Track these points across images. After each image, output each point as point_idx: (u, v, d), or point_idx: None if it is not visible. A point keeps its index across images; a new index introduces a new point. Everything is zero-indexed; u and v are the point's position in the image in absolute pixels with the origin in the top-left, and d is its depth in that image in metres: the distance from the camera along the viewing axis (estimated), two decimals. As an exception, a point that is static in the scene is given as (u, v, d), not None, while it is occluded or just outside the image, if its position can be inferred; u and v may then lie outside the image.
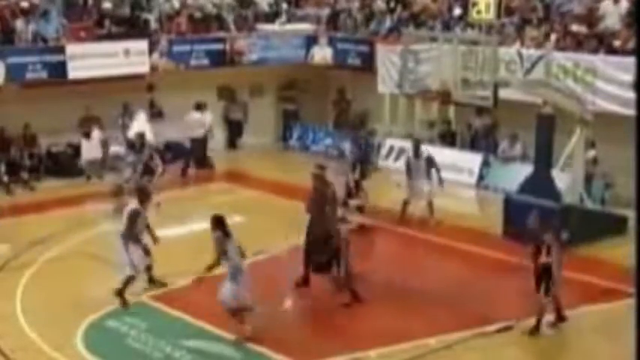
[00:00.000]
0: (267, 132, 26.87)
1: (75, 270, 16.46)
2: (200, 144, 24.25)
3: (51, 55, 22.72)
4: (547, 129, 18.13)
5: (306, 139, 26.65)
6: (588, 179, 18.73)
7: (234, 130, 26.62)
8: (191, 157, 24.10)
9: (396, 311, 14.55)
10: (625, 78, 19.35)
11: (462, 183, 22.37)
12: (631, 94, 18.99)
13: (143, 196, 14.85)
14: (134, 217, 14.56)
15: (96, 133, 22.96)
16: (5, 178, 22.08)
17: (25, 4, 23.54)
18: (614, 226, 17.74)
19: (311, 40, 26.39)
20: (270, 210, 20.07)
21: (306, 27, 26.88)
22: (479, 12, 20.80)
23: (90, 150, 23.06)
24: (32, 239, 17.62)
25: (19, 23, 22.99)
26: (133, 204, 14.76)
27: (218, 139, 25.55)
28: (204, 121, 24.14)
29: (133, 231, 14.57)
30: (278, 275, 15.18)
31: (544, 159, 18.27)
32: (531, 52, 20.83)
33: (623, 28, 20.54)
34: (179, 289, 14.96)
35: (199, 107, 24.14)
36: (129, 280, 14.59)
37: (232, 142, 26.58)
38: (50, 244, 17.70)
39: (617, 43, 20.41)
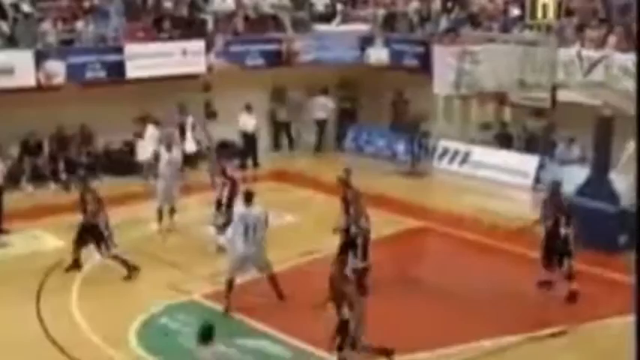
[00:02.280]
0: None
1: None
2: (251, 143, 24.52)
3: (110, 55, 22.96)
4: (606, 131, 17.93)
5: (360, 140, 26.59)
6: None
7: (281, 131, 26.62)
8: (246, 154, 24.25)
9: (451, 313, 14.50)
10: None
11: (518, 185, 22.22)
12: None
13: (249, 198, 14.85)
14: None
15: (150, 132, 23.06)
16: (63, 176, 22.36)
17: (86, 5, 23.83)
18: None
19: (366, 41, 26.30)
20: (320, 210, 19.96)
21: (361, 28, 26.81)
22: (538, 13, 20.67)
23: (145, 149, 23.20)
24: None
25: (80, 24, 23.26)
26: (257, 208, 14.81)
27: (265, 139, 25.81)
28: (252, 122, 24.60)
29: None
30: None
31: (602, 162, 18.06)
32: (591, 54, 20.54)
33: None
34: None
35: (248, 108, 24.41)
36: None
37: (279, 143, 26.58)
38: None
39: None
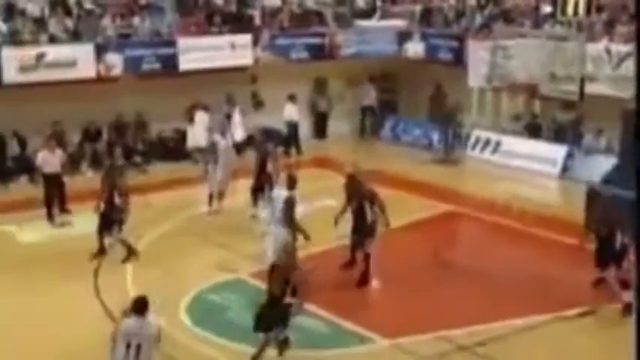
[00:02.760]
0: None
1: (180, 246, 16.72)
2: (294, 130, 24.61)
3: (164, 49, 23.09)
4: (632, 123, 17.72)
5: (398, 129, 26.55)
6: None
7: (321, 120, 26.56)
8: (289, 142, 24.33)
9: (482, 293, 14.47)
10: None
11: (547, 174, 22.07)
12: None
13: (293, 183, 14.82)
14: (291, 203, 14.49)
15: (200, 117, 23.17)
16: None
17: (142, 2, 24.00)
18: (695, 217, 17.31)
19: (404, 36, 26.24)
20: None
21: (399, 23, 26.75)
22: (569, 10, 20.52)
23: (194, 136, 23.34)
24: (143, 217, 17.79)
25: (136, 19, 23.45)
26: (284, 191, 14.71)
27: (306, 128, 25.74)
28: (295, 111, 24.68)
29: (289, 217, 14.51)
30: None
31: (628, 152, 17.87)
32: (620, 48, 20.33)
33: None
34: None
35: (292, 98, 24.42)
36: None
37: (320, 132, 26.53)
38: (158, 222, 18.00)
39: None
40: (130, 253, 15.99)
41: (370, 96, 26.84)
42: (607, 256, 13.84)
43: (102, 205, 16.06)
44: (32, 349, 12.46)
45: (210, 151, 19.30)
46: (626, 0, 22.15)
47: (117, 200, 15.90)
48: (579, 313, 13.59)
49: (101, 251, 16.04)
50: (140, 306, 10.08)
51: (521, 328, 13.16)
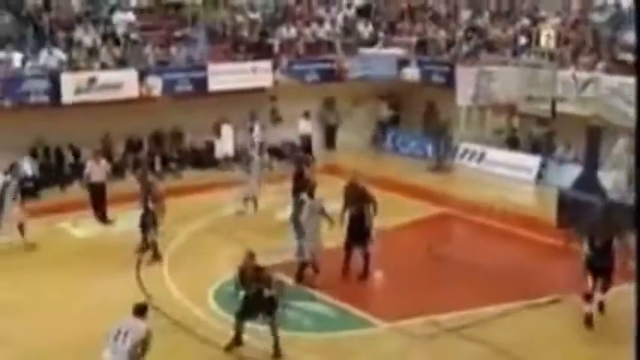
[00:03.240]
0: (366, 135, 26.80)
1: (209, 243, 16.86)
2: (307, 142, 24.69)
3: (196, 73, 23.25)
4: (595, 137, 17.84)
5: (397, 142, 26.62)
6: (629, 179, 18.29)
7: (331, 133, 26.57)
8: (304, 152, 24.43)
9: (469, 283, 14.53)
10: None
11: (524, 180, 22.08)
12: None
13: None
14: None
15: (226, 130, 23.34)
16: (158, 168, 22.75)
17: (178, 34, 24.20)
18: (650, 219, 17.36)
19: (402, 62, 26.29)
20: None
21: (398, 51, 26.82)
22: (542, 42, 20.61)
23: (222, 147, 23.53)
24: (178, 217, 17.91)
25: (173, 49, 23.65)
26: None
27: (317, 140, 25.74)
28: (309, 126, 24.77)
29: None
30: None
31: (592, 162, 17.96)
32: (584, 75, 20.40)
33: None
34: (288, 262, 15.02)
35: (306, 115, 24.49)
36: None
37: (329, 143, 26.50)
38: (191, 221, 18.14)
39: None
40: (156, 256, 15.81)
41: (384, 113, 26.92)
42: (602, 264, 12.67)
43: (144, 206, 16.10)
44: (76, 332, 12.40)
45: (245, 163, 19.31)
46: (586, 37, 22.26)
47: (150, 205, 15.91)
48: (549, 301, 13.62)
49: (144, 247, 16.09)
50: (139, 309, 10.00)
51: (500, 313, 13.22)
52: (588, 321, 12.62)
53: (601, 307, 12.97)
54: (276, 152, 24.73)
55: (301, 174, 18.07)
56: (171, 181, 21.77)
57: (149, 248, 15.92)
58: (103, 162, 18.72)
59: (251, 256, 11.91)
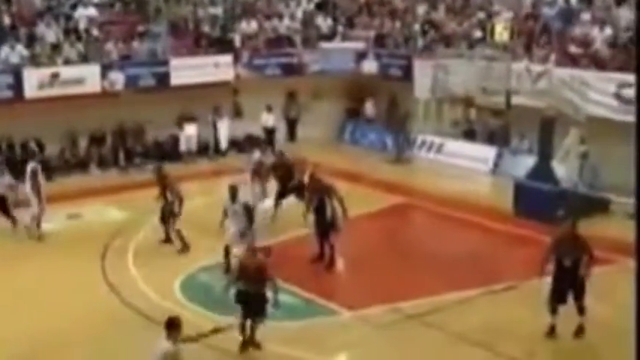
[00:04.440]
0: (327, 128, 26.71)
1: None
2: (270, 135, 24.62)
3: (158, 67, 23.16)
4: (548, 129, 18.09)
5: (356, 134, 26.68)
6: (580, 169, 18.62)
7: (292, 126, 26.48)
8: (267, 145, 24.41)
9: (429, 271, 14.68)
10: (610, 89, 19.29)
11: (480, 170, 22.31)
12: (614, 102, 19.00)
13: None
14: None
15: (190, 128, 23.31)
16: (123, 162, 22.61)
17: (140, 29, 24.04)
18: (600, 206, 17.69)
19: (361, 56, 26.41)
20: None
21: (357, 45, 26.91)
22: (496, 35, 20.81)
23: (185, 141, 23.46)
24: (143, 209, 17.91)
25: (136, 43, 23.49)
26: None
27: (281, 133, 25.64)
28: (272, 119, 24.68)
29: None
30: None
31: (546, 153, 18.23)
32: (537, 68, 20.67)
33: (608, 50, 20.45)
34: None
35: (269, 108, 24.45)
36: None
37: (291, 136, 26.44)
38: (156, 213, 17.95)
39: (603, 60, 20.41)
40: (185, 245, 15.75)
41: (371, 109, 26.66)
42: (566, 292, 11.86)
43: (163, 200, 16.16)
44: (49, 314, 12.67)
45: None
46: (536, 29, 22.56)
47: (169, 197, 15.93)
48: (506, 287, 13.80)
49: (167, 239, 16.08)
50: (165, 324, 8.85)
51: (460, 300, 13.35)
52: (552, 330, 12.07)
53: (581, 329, 12.01)
54: (238, 145, 24.73)
55: (289, 173, 17.74)
56: (135, 175, 21.66)
57: (172, 240, 15.93)
58: (7, 177, 17.32)
59: (252, 252, 11.73)
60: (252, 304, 11.31)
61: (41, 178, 16.65)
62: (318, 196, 14.90)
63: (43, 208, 16.61)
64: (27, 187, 16.57)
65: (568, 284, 11.72)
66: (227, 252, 14.29)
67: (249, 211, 14.61)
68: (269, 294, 11.29)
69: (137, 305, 13.08)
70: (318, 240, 15.01)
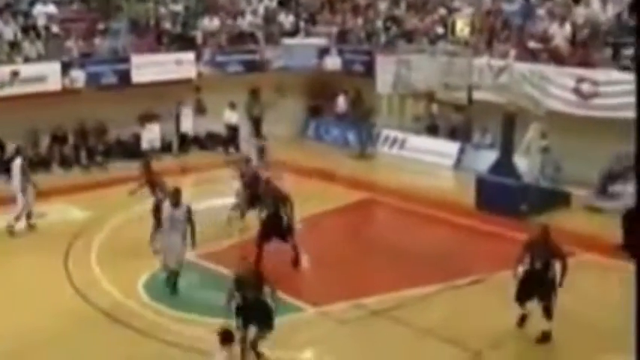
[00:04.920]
0: (290, 125, 26.60)
1: (136, 232, 16.54)
2: (233, 133, 24.41)
3: (120, 65, 22.97)
4: (510, 123, 18.21)
5: (320, 130, 26.65)
6: (542, 163, 18.77)
7: (256, 123, 26.12)
8: (229, 142, 24.27)
9: (393, 266, 14.69)
10: (569, 84, 19.49)
11: (443, 165, 22.38)
12: (574, 97, 19.20)
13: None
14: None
15: (152, 127, 23.16)
16: (85, 161, 22.33)
17: (101, 26, 23.77)
18: (561, 200, 17.86)
19: (324, 51, 26.39)
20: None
21: (319, 41, 26.90)
22: (457, 31, 20.94)
23: (148, 138, 23.25)
24: (106, 208, 17.85)
25: (97, 41, 23.23)
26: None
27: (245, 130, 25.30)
28: (235, 117, 24.40)
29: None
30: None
31: (508, 147, 18.35)
32: (498, 63, 20.80)
33: (567, 45, 20.67)
34: (224, 250, 15.07)
35: (232, 105, 24.26)
36: None
37: (256, 133, 26.16)
38: (119, 212, 17.85)
39: (562, 55, 20.62)
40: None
41: (343, 104, 26.12)
42: (531, 294, 11.88)
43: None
44: (11, 314, 12.58)
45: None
46: (496, 25, 22.72)
47: (160, 195, 15.62)
48: (471, 281, 13.88)
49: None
50: (222, 336, 9.37)
51: (425, 295, 13.39)
52: (523, 319, 12.12)
53: (546, 336, 11.85)
54: (201, 142, 24.58)
55: (255, 179, 16.85)
56: (97, 174, 21.43)
57: None
58: None
59: (245, 260, 11.36)
60: (255, 314, 10.83)
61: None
62: (273, 204, 14.51)
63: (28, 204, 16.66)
64: (15, 183, 16.66)
65: (535, 285, 11.74)
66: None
67: (190, 216, 13.32)
68: (270, 302, 10.89)
69: (101, 304, 12.97)
70: (258, 247, 14.37)
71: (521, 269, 11.93)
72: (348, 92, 25.90)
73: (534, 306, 11.97)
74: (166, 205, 13.24)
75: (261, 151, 21.63)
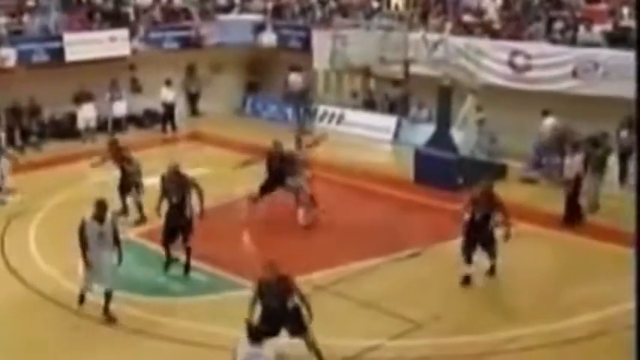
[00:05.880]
0: (227, 101, 26.42)
1: (75, 213, 16.09)
2: (169, 110, 24.10)
3: (51, 43, 22.46)
4: (446, 97, 18.47)
5: (258, 107, 26.56)
6: (478, 136, 19.09)
7: (193, 101, 25.98)
8: (166, 120, 24.04)
9: (335, 241, 14.81)
10: (503, 57, 19.83)
11: (381, 140, 22.57)
12: (508, 70, 19.55)
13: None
14: None
15: (87, 108, 22.80)
16: (19, 142, 21.88)
17: (30, 3, 23.26)
18: (497, 172, 18.16)
19: (259, 27, 26.26)
20: (228, 162, 19.83)
21: (255, 17, 26.76)
22: (392, 5, 21.06)
23: (83, 118, 22.88)
24: (41, 190, 17.61)
25: (26, 18, 22.70)
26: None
27: (181, 107, 25.15)
28: (172, 94, 24.07)
29: None
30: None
31: (444, 121, 18.60)
32: (434, 37, 21.01)
33: (499, 19, 21.01)
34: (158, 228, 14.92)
35: (168, 83, 23.99)
36: None
37: (193, 111, 26.00)
38: (55, 193, 17.66)
39: (496, 29, 20.93)
40: (142, 217, 15.65)
41: (298, 83, 25.22)
42: (475, 244, 12.89)
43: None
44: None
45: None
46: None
47: (128, 168, 15.74)
48: (411, 254, 14.10)
49: (124, 210, 15.81)
50: (251, 332, 8.86)
51: (365, 268, 13.57)
52: (467, 280, 12.85)
53: (492, 270, 13.10)
54: (137, 121, 24.33)
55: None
56: (32, 155, 21.06)
57: (128, 212, 15.76)
58: None
59: (272, 265, 10.33)
60: (286, 321, 10.19)
61: None
62: (176, 193, 13.36)
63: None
64: None
65: (477, 235, 12.77)
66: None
67: (116, 231, 11.86)
68: (297, 305, 10.21)
69: (40, 287, 12.83)
70: (163, 244, 13.57)
71: (466, 217, 12.84)
72: (276, 69, 25.80)
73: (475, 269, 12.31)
74: (89, 222, 11.62)
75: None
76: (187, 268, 13.42)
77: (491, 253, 12.96)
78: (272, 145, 16.25)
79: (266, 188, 15.82)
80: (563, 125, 18.12)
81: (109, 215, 11.73)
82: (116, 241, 11.69)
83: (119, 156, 16.14)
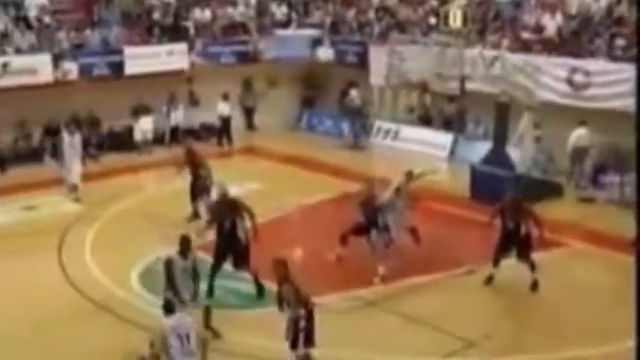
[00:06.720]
0: (283, 116, 26.42)
1: (131, 224, 16.62)
2: (226, 124, 24.29)
3: (112, 56, 23.00)
4: (503, 114, 18.30)
5: (313, 121, 26.66)
6: (535, 153, 18.87)
7: (249, 115, 26.18)
8: (222, 133, 24.25)
9: (391, 255, 14.51)
10: (562, 74, 19.58)
11: (437, 156, 22.39)
12: (566, 87, 19.28)
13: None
14: None
15: (145, 121, 23.18)
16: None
17: (93, 17, 23.77)
18: (553, 190, 17.96)
19: (316, 42, 26.40)
20: (282, 176, 19.99)
21: (312, 32, 26.90)
22: (449, 21, 21.01)
23: (140, 130, 23.26)
24: (99, 200, 17.89)
25: (88, 32, 23.21)
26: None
27: (237, 121, 25.27)
28: (228, 108, 24.27)
29: None
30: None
31: (501, 137, 18.43)
32: (490, 53, 20.86)
33: (559, 36, 20.77)
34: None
35: (225, 97, 24.24)
36: None
37: (249, 124, 26.17)
38: (112, 204, 17.93)
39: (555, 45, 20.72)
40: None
41: (357, 98, 24.79)
42: (508, 250, 13.33)
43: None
44: (6, 309, 12.51)
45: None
46: (488, 15, 22.77)
47: (202, 173, 16.16)
48: (464, 272, 13.97)
49: (195, 215, 16.15)
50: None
51: (420, 285, 13.50)
52: (490, 279, 13.38)
53: (535, 285, 13.14)
54: (194, 134, 24.59)
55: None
56: (90, 166, 21.43)
57: (200, 215, 15.96)
58: None
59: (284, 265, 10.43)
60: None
61: None
62: (229, 218, 13.03)
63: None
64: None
65: (510, 243, 13.21)
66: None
67: (196, 266, 11.53)
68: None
69: (93, 295, 13.01)
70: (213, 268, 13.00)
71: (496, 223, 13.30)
72: (332, 84, 25.83)
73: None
74: (176, 259, 11.34)
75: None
76: (260, 289, 12.97)
77: (529, 261, 13.10)
78: (364, 186, 15.30)
79: (360, 231, 14.60)
80: (591, 138, 17.85)
81: (192, 251, 11.42)
82: (194, 277, 11.32)
83: (194, 161, 16.50)
